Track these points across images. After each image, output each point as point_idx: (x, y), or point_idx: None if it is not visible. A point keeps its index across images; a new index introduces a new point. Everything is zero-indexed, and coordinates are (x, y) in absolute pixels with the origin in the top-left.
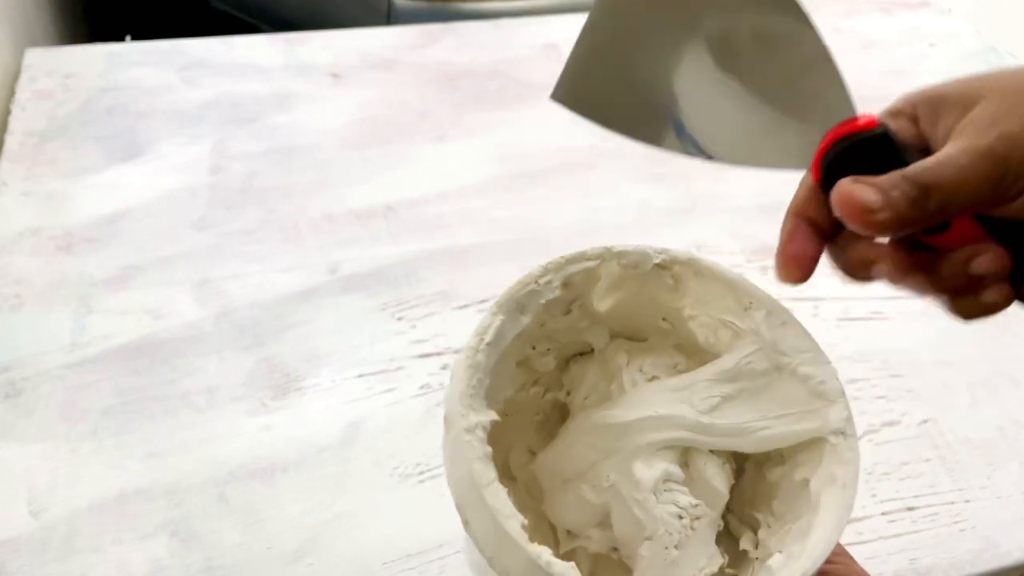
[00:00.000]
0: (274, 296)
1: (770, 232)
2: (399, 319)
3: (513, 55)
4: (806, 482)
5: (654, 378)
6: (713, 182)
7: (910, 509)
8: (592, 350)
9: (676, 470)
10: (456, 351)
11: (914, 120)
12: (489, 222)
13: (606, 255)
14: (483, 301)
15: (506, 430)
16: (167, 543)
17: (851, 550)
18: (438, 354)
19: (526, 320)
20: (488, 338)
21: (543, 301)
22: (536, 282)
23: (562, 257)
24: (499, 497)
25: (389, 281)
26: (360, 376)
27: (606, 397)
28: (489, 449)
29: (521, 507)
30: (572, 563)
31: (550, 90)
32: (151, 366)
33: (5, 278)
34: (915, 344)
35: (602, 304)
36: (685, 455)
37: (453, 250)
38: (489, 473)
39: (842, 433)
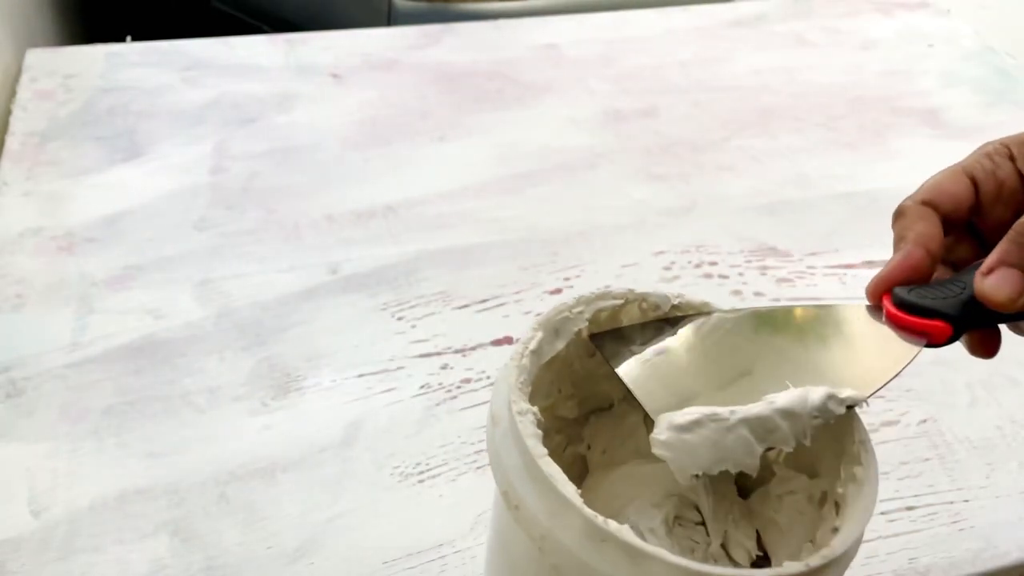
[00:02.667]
0: (274, 296)
1: (770, 232)
2: (399, 319)
3: (513, 55)
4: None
5: None
6: (713, 182)
7: (909, 509)
8: (611, 405)
9: (688, 509)
10: (456, 351)
11: (1011, 158)
12: (489, 222)
13: (629, 296)
14: (483, 301)
15: None
16: (168, 543)
17: None
18: (438, 354)
19: (560, 345)
20: (532, 347)
21: (575, 329)
22: (570, 311)
23: (592, 292)
24: (554, 467)
25: (389, 281)
26: (360, 376)
27: (622, 455)
28: (540, 432)
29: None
30: (626, 525)
31: (550, 90)
32: (152, 366)
33: (6, 278)
34: None
35: None
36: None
37: (453, 250)
38: (542, 448)
39: (861, 442)
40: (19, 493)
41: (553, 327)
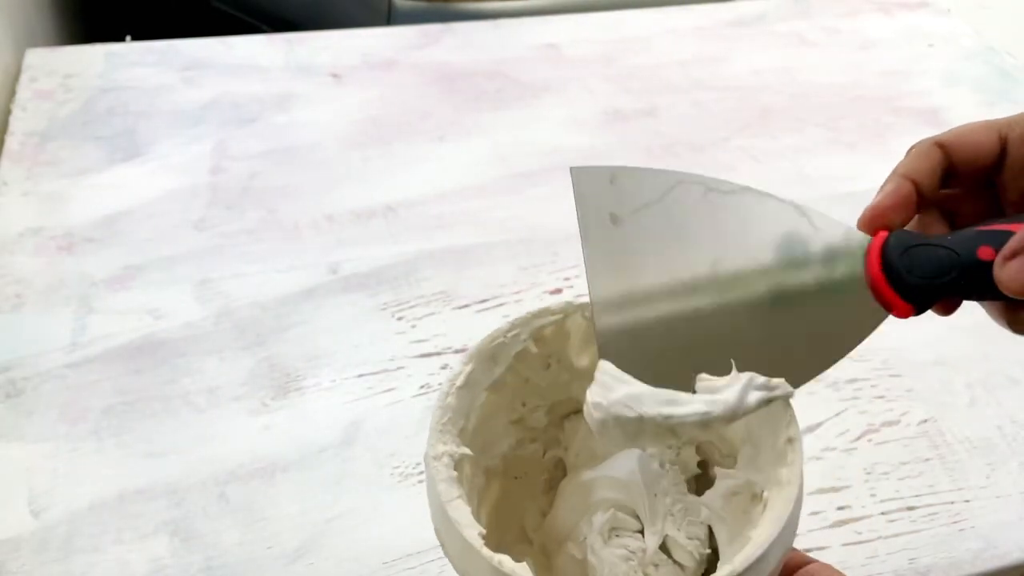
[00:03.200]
0: (274, 296)
1: None
2: (399, 319)
3: (513, 55)
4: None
5: None
6: None
7: (909, 509)
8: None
9: (624, 517)
10: (456, 351)
11: None
12: (489, 222)
13: (568, 309)
14: (483, 301)
15: (518, 493)
16: (167, 543)
17: (850, 549)
18: (438, 354)
19: (499, 370)
20: (459, 382)
21: (513, 353)
22: (504, 336)
23: (529, 312)
24: (461, 511)
25: (389, 281)
26: (360, 376)
27: (594, 455)
28: (455, 473)
29: (538, 569)
30: (524, 563)
31: (550, 90)
32: (151, 366)
33: (6, 278)
34: (914, 344)
35: (579, 360)
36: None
37: (453, 250)
38: (452, 491)
39: (788, 440)
40: (19, 493)
41: (488, 355)
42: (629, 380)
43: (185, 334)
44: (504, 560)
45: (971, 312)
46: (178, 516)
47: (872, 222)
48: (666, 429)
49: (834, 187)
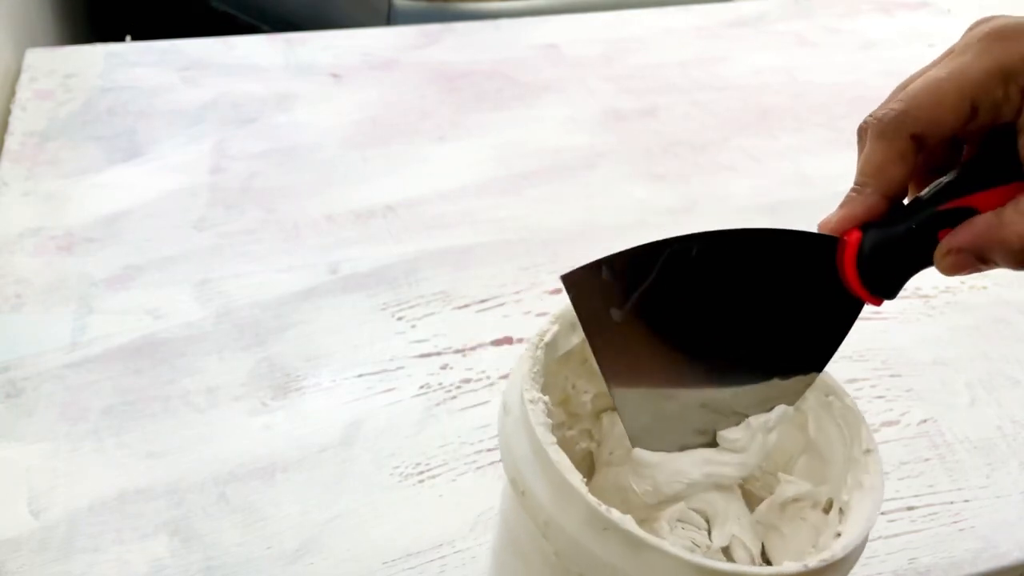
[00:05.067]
0: (274, 296)
1: None
2: (399, 319)
3: (513, 55)
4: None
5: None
6: (713, 182)
7: (909, 509)
8: None
9: (692, 512)
10: (456, 351)
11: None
12: (489, 222)
13: None
14: (483, 301)
15: None
16: (167, 543)
17: None
18: (438, 354)
19: (575, 340)
20: (547, 339)
21: None
22: None
23: None
24: (561, 455)
25: (389, 281)
26: (360, 376)
27: (629, 455)
28: (550, 420)
29: None
30: (630, 515)
31: (550, 90)
32: (151, 366)
33: (5, 278)
34: (914, 344)
35: None
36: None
37: (453, 250)
38: (549, 436)
39: (866, 451)
40: (19, 493)
41: (570, 321)
42: (663, 458)
43: (185, 334)
44: (612, 509)
45: (971, 312)
46: (178, 516)
47: (839, 230)
48: (713, 484)
49: (834, 187)
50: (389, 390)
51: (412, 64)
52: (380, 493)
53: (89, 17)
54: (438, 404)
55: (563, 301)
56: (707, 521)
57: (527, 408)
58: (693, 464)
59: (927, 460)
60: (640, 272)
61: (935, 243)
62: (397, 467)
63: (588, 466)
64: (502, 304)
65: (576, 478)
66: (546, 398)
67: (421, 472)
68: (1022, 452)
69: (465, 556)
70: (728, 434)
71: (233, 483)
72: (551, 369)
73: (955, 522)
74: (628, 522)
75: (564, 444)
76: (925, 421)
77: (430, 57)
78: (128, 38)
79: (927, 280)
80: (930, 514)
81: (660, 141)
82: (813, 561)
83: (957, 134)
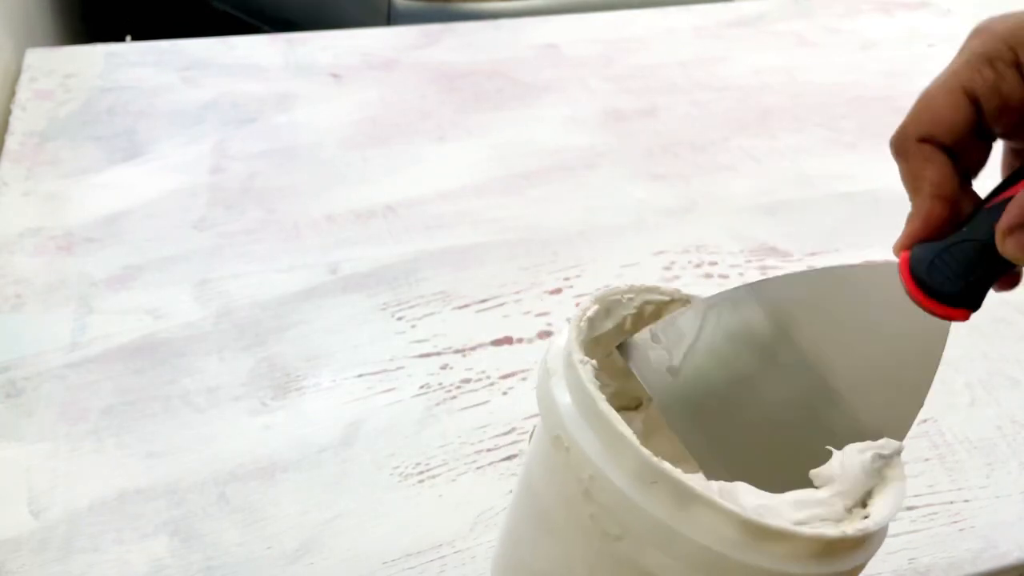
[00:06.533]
0: (274, 296)
1: (770, 232)
2: (399, 319)
3: (513, 55)
4: None
5: None
6: (713, 182)
7: (909, 509)
8: (638, 405)
9: None
10: (456, 351)
11: (1016, 65)
12: (489, 222)
13: (675, 295)
14: (483, 301)
15: None
16: (167, 543)
17: None
18: (438, 354)
19: (609, 324)
20: (590, 314)
21: (621, 315)
22: (622, 295)
23: (641, 284)
24: (611, 408)
25: (389, 281)
26: (360, 376)
27: None
28: (597, 381)
29: None
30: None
31: (550, 90)
32: (151, 366)
33: (5, 278)
34: None
35: None
36: None
37: (453, 250)
38: (599, 393)
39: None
40: (19, 493)
41: (606, 306)
42: (754, 492)
43: (185, 334)
44: (663, 461)
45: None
46: (178, 516)
47: (897, 249)
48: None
49: (834, 187)
50: (389, 390)
51: (412, 64)
52: (380, 493)
53: (89, 17)
54: (438, 404)
55: (563, 301)
56: None
57: (578, 368)
58: (786, 507)
59: (927, 460)
60: (686, 333)
61: (994, 242)
62: (397, 467)
63: None
64: (502, 304)
65: (628, 430)
66: (593, 361)
67: (421, 472)
68: (1022, 452)
69: (465, 556)
70: (818, 474)
71: (233, 483)
72: (587, 347)
73: (955, 522)
74: (680, 473)
75: None
76: (925, 421)
77: (430, 57)
78: (128, 38)
79: None
80: (930, 514)
81: (660, 141)
82: (851, 528)
83: (986, 127)
